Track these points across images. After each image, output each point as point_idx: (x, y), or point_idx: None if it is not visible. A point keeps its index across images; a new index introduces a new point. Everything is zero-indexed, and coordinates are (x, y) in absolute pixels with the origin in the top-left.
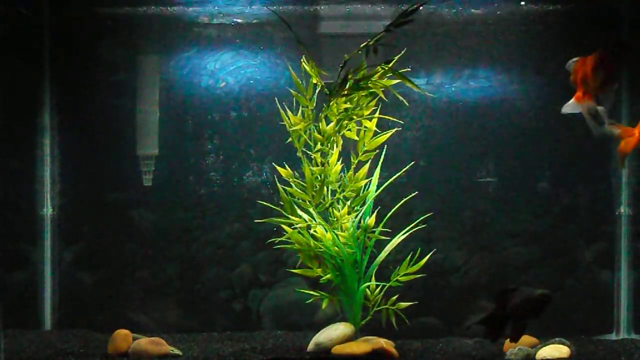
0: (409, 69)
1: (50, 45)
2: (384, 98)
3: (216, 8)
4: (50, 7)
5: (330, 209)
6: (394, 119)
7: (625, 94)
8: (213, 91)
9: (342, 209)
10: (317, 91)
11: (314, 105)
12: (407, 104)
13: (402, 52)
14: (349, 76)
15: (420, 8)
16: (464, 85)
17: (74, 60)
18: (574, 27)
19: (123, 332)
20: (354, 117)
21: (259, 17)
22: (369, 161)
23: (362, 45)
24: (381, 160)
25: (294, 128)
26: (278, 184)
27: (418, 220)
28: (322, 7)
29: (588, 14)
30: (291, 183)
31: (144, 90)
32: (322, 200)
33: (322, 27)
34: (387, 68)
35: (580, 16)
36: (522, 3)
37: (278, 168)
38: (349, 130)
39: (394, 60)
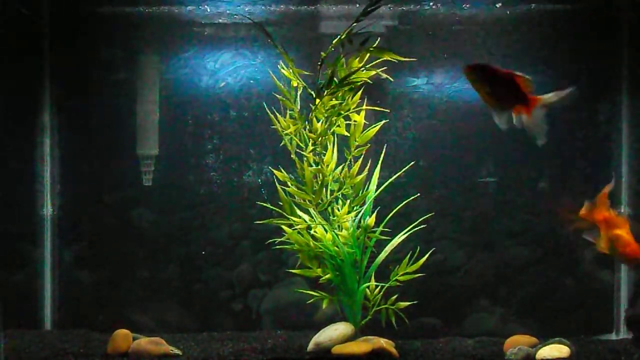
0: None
1: (50, 45)
2: (369, 81)
3: (216, 8)
4: (50, 7)
5: (329, 208)
6: (381, 109)
7: (625, 95)
8: (213, 91)
9: (341, 209)
10: (299, 93)
11: (299, 107)
12: (391, 80)
13: (377, 40)
14: (333, 73)
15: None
16: (464, 85)
17: (74, 60)
18: (575, 27)
19: (123, 332)
20: (342, 112)
21: (259, 17)
22: (362, 156)
23: (335, 41)
24: (381, 159)
25: (286, 132)
26: (278, 185)
27: (418, 221)
28: (322, 7)
29: (589, 13)
30: (289, 184)
31: (144, 90)
32: (320, 200)
33: (322, 27)
34: (364, 50)
35: (582, 15)
36: (532, 5)
37: (274, 171)
38: (338, 126)
39: (369, 41)
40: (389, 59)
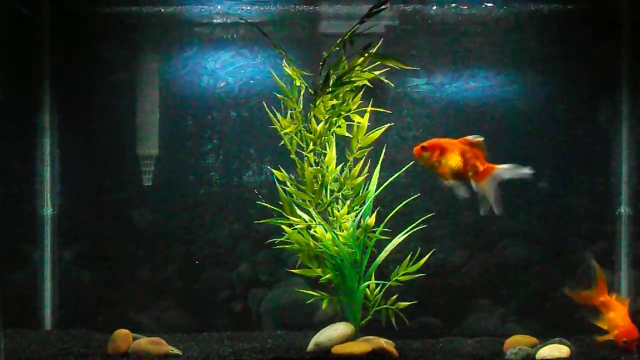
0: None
1: (50, 45)
2: (370, 85)
3: (217, 8)
4: (50, 7)
5: (329, 208)
6: (382, 110)
7: (625, 95)
8: (213, 91)
9: (341, 209)
10: (302, 93)
11: (301, 107)
12: (392, 85)
13: (380, 41)
14: (331, 73)
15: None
16: (464, 85)
17: (74, 60)
18: (575, 27)
19: (123, 332)
20: (342, 112)
21: (259, 17)
22: (363, 158)
23: (338, 42)
24: (381, 159)
25: (285, 131)
26: (278, 185)
27: (419, 221)
28: (322, 7)
29: (588, 14)
30: (289, 184)
31: (144, 90)
32: (320, 201)
33: (322, 27)
34: (365, 55)
35: (582, 15)
36: (532, 5)
37: (274, 171)
38: (339, 127)
39: (371, 46)
40: (391, 65)
